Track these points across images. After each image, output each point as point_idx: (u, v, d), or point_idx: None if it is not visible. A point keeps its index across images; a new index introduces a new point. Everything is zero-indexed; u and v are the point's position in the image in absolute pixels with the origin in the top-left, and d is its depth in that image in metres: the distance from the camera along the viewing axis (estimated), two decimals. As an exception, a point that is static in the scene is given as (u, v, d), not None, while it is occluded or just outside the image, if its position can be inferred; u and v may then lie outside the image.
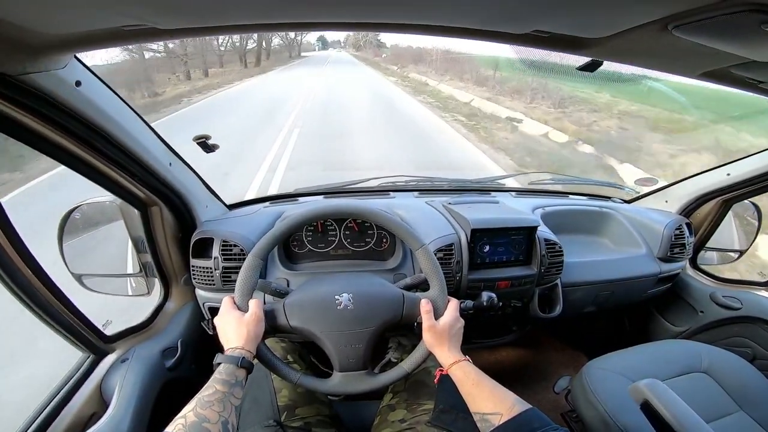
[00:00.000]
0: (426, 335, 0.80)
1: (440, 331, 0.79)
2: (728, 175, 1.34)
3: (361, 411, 1.07)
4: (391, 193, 1.36)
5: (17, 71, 0.56)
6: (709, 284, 1.53)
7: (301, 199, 1.30)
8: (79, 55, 0.68)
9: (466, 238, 1.12)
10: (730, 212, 1.48)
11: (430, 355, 0.82)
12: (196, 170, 1.09)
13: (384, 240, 1.17)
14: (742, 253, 1.58)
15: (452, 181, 1.48)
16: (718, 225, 1.49)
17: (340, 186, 1.36)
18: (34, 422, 0.77)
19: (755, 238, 1.51)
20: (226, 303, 0.79)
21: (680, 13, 0.46)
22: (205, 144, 1.03)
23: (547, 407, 1.58)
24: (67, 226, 0.99)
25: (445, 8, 0.55)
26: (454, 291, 1.13)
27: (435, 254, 1.07)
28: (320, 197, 1.31)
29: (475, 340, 1.66)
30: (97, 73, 0.72)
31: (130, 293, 1.14)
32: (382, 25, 0.66)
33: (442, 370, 0.79)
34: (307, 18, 0.59)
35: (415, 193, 1.39)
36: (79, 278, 1.02)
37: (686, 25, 0.48)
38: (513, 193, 1.54)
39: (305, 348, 1.11)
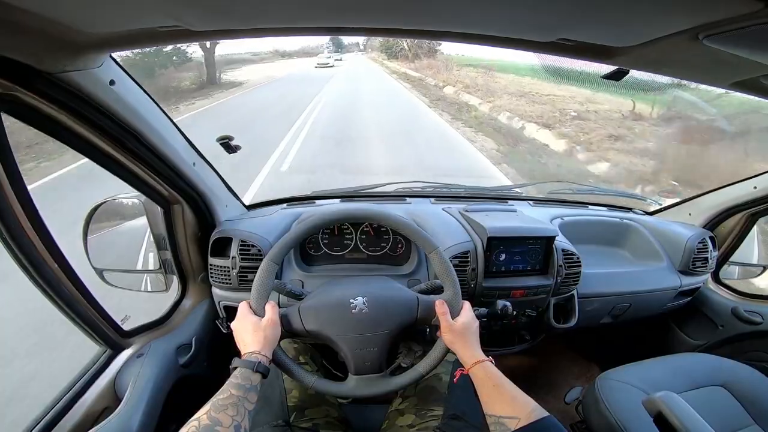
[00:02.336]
0: (445, 336, 0.80)
1: (459, 330, 0.79)
2: (755, 188, 1.30)
3: (369, 414, 1.06)
4: (407, 198, 1.36)
5: (56, 69, 0.59)
6: (730, 298, 1.49)
7: (318, 201, 1.31)
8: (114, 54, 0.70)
9: (483, 246, 1.11)
10: (755, 226, 1.44)
11: (444, 358, 0.82)
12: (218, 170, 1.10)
13: (399, 245, 1.18)
14: (765, 268, 1.54)
15: (469, 189, 1.47)
16: (743, 239, 1.45)
17: (357, 190, 1.37)
18: (47, 414, 0.78)
19: (781, 253, 1.47)
20: (242, 308, 0.79)
21: (712, 23, 0.45)
22: (228, 145, 1.05)
23: (557, 417, 1.55)
24: (92, 221, 1.01)
25: (472, 15, 0.55)
26: (469, 298, 1.12)
27: (451, 261, 1.08)
28: (337, 200, 1.32)
29: (487, 348, 1.64)
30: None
31: (148, 289, 1.16)
32: (407, 31, 0.67)
33: (462, 370, 0.78)
34: (336, 23, 0.60)
35: (432, 200, 1.39)
36: (100, 273, 1.04)
37: (718, 35, 0.47)
38: (531, 202, 1.52)
39: (317, 350, 1.11)
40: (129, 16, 0.53)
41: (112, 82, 0.69)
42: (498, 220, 1.17)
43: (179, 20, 0.54)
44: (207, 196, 1.05)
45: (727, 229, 1.45)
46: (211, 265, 1.08)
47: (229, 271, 1.06)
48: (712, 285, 1.54)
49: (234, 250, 1.05)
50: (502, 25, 0.60)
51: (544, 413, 0.66)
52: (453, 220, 1.23)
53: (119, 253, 1.17)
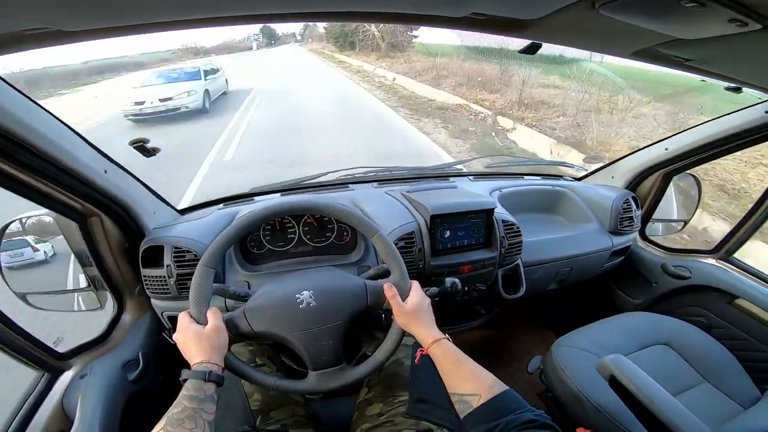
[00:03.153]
0: (399, 318, 0.80)
1: (411, 310, 0.79)
2: (666, 149, 1.42)
3: (338, 408, 1.06)
4: (350, 185, 1.35)
5: None
6: (659, 255, 1.61)
7: (257, 198, 1.26)
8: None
9: (426, 224, 1.13)
10: (671, 184, 1.57)
11: (401, 342, 0.82)
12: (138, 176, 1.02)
13: (345, 233, 1.16)
14: (686, 222, 1.68)
15: (411, 170, 1.49)
16: (662, 197, 1.58)
17: (298, 182, 1.33)
18: None
19: (697, 207, 1.62)
20: (182, 319, 0.75)
21: None
22: (144, 148, 0.99)
23: (524, 388, 1.59)
24: (2, 244, 0.92)
25: None
26: (419, 278, 1.13)
27: (397, 243, 1.08)
28: (277, 195, 1.28)
29: (445, 327, 1.67)
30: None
31: (81, 308, 1.09)
32: (314, 14, 0.65)
33: (422, 351, 0.78)
34: (228, 11, 0.55)
35: (375, 184, 1.38)
36: (23, 297, 0.97)
37: (612, 3, 0.50)
38: (471, 178, 1.56)
39: (274, 348, 1.08)
40: None
41: None
42: (439, 198, 1.19)
43: (47, 21, 0.47)
44: (127, 204, 0.98)
45: (646, 189, 1.57)
46: (144, 276, 1.01)
47: (165, 281, 0.99)
48: (641, 243, 1.66)
49: (168, 258, 0.99)
50: (414, 1, 0.60)
51: (504, 387, 0.67)
52: (396, 202, 1.23)
53: (43, 274, 1.09)
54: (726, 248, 1.44)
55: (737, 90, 1.03)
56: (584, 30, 0.70)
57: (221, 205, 1.21)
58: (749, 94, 1.09)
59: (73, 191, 0.85)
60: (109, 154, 0.94)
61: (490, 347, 1.88)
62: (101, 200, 0.92)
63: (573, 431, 1.09)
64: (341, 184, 1.36)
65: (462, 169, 1.63)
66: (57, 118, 0.78)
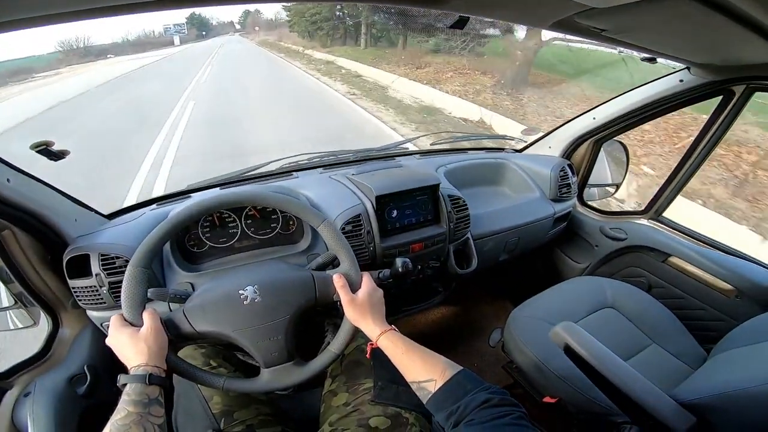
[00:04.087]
0: (347, 311, 0.79)
1: (360, 303, 0.78)
2: (594, 119, 1.51)
3: (304, 402, 1.03)
4: (294, 173, 1.31)
5: None
6: (597, 218, 1.70)
7: (194, 194, 1.19)
8: None
9: (372, 206, 1.12)
10: (602, 151, 1.67)
11: (357, 332, 0.80)
12: (50, 182, 0.94)
13: (291, 222, 1.13)
14: (617, 186, 1.79)
15: (357, 152, 1.47)
16: (594, 163, 1.67)
17: (239, 174, 1.27)
18: None
19: (626, 171, 1.74)
20: (114, 321, 0.72)
21: None
22: (49, 151, 0.90)
23: (490, 362, 1.66)
24: None
25: None
26: (371, 261, 1.14)
27: (344, 228, 1.07)
28: (216, 189, 1.22)
29: (405, 308, 1.70)
30: None
31: (17, 326, 1.02)
32: None
33: (372, 344, 0.78)
34: None
35: (320, 170, 1.35)
36: None
37: None
38: (417, 156, 1.58)
39: (229, 349, 1.03)
40: None
41: None
42: (384, 178, 1.19)
43: None
44: (40, 213, 0.89)
45: (580, 156, 1.66)
46: (73, 288, 0.93)
47: (97, 290, 0.92)
48: (580, 208, 1.75)
49: (96, 267, 0.91)
50: None
51: (457, 368, 0.67)
52: (341, 186, 1.21)
53: None
54: (655, 208, 1.54)
55: (652, 60, 1.09)
56: (504, 1, 0.71)
57: (154, 206, 1.13)
58: (663, 64, 1.18)
59: None
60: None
61: (452, 323, 1.92)
62: (8, 212, 0.83)
63: (540, 400, 1.15)
64: (285, 172, 1.31)
65: (408, 148, 1.64)
66: None
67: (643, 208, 1.61)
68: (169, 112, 7.66)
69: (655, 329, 1.23)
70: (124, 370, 0.68)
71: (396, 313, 1.66)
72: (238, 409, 0.86)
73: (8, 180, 0.82)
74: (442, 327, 1.89)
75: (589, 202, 1.78)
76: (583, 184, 1.71)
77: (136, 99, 10.10)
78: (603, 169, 1.75)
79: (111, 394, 0.98)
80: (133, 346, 0.68)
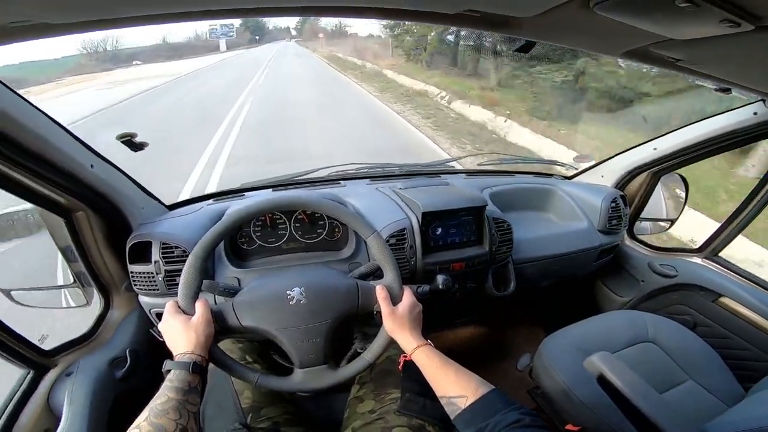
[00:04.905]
0: (386, 322, 0.80)
1: (400, 316, 0.79)
2: (655, 149, 1.44)
3: (330, 405, 1.05)
4: (341, 182, 1.34)
5: None
6: (646, 254, 1.62)
7: (248, 193, 1.25)
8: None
9: (418, 222, 1.12)
10: (659, 184, 1.59)
11: (392, 343, 0.81)
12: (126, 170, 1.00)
13: (336, 230, 1.16)
14: (672, 222, 1.70)
15: (403, 167, 1.48)
16: (650, 196, 1.60)
17: (289, 178, 1.32)
18: None
19: (684, 206, 1.65)
20: (169, 307, 0.75)
21: None
22: (132, 142, 0.97)
23: (514, 385, 1.62)
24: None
25: None
26: (410, 275, 1.14)
27: (388, 240, 1.08)
28: (268, 190, 1.27)
29: (435, 324, 1.68)
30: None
31: (70, 304, 1.08)
32: (310, 8, 0.64)
33: (405, 357, 0.79)
34: (217, 5, 0.55)
35: (367, 181, 1.38)
36: (7, 293, 0.97)
37: (607, 2, 0.50)
38: (463, 175, 1.57)
39: (264, 347, 1.07)
40: None
41: None
42: (431, 195, 1.19)
43: (28, 15, 0.46)
44: (114, 199, 0.97)
45: (635, 188, 1.58)
46: (132, 272, 0.99)
47: (153, 277, 0.98)
48: (628, 242, 1.68)
49: (156, 254, 0.97)
50: None
51: (489, 387, 0.68)
52: (388, 199, 1.23)
53: (30, 270, 1.11)
54: (712, 247, 1.46)
55: (726, 91, 1.04)
56: (577, 29, 0.70)
57: (211, 201, 1.19)
58: (738, 95, 1.11)
59: (59, 186, 0.83)
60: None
61: (481, 344, 1.89)
62: (87, 195, 0.90)
63: (562, 428, 1.12)
64: (332, 180, 1.35)
65: (454, 167, 1.64)
66: (43, 113, 0.77)
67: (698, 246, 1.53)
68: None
69: (694, 365, 1.19)
70: (162, 357, 0.71)
71: (426, 328, 1.63)
72: (266, 406, 0.89)
73: (92, 166, 0.89)
74: (469, 346, 1.86)
75: (639, 236, 1.70)
76: (635, 217, 1.64)
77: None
78: (658, 203, 1.67)
79: (145, 380, 1.04)
80: (183, 333, 0.71)
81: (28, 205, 0.90)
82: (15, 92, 0.70)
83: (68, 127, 0.83)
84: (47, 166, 0.78)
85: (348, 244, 1.14)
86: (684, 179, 1.59)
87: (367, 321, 0.99)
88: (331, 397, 1.09)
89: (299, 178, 1.32)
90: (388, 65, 15.96)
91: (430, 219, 1.14)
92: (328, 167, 1.38)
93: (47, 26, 0.51)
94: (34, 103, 0.75)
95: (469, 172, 1.63)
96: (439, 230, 1.17)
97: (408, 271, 1.13)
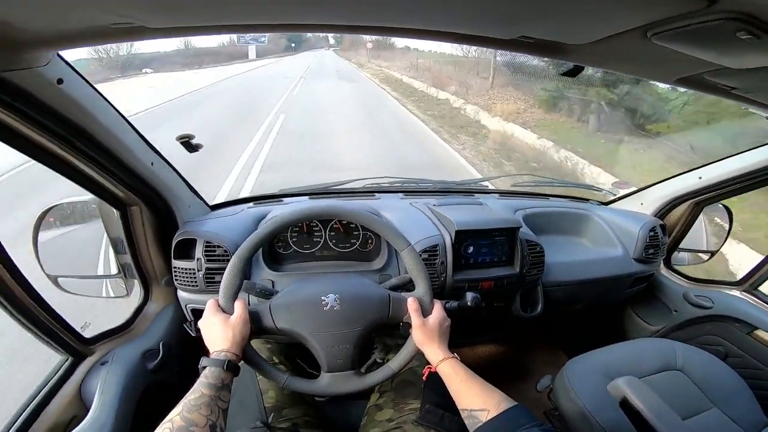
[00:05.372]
0: (416, 333, 0.81)
1: (430, 328, 0.81)
2: (700, 178, 1.39)
3: (348, 411, 1.07)
4: (376, 194, 1.37)
5: None
6: (682, 284, 1.57)
7: (286, 199, 1.29)
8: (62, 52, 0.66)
9: (451, 239, 1.13)
10: (701, 214, 1.54)
11: (417, 354, 0.83)
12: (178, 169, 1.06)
13: (369, 241, 1.18)
14: (713, 254, 1.63)
15: (437, 183, 1.49)
16: (691, 227, 1.54)
17: (326, 187, 1.35)
18: (12, 426, 0.75)
19: (726, 239, 1.58)
20: (210, 305, 0.78)
21: (660, 20, 0.47)
22: (189, 144, 1.02)
23: (530, 405, 1.58)
24: (42, 226, 0.97)
25: (438, 13, 0.55)
26: (439, 291, 1.15)
27: (420, 255, 1.09)
28: (305, 198, 1.30)
29: (458, 340, 1.68)
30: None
31: (108, 294, 1.12)
32: (372, 28, 0.67)
33: (430, 368, 0.80)
34: (298, 19, 0.59)
35: (401, 195, 1.39)
36: (54, 280, 1.00)
37: (665, 33, 0.50)
38: (496, 195, 1.56)
39: (291, 349, 1.10)
40: (71, 13, 0.50)
41: (59, 81, 0.65)
42: (465, 214, 1.19)
43: (129, 17, 0.51)
44: (167, 196, 1.02)
45: (675, 217, 1.53)
46: (175, 267, 1.04)
47: (194, 273, 1.03)
48: (664, 271, 1.63)
49: (199, 252, 1.02)
50: (468, 22, 0.61)
51: (513, 402, 0.68)
52: (422, 214, 1.24)
53: (75, 258, 1.13)
54: (752, 281, 1.42)
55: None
56: (631, 56, 0.70)
57: (251, 204, 1.23)
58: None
59: (121, 181, 0.88)
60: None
61: (501, 363, 1.88)
62: (145, 191, 0.95)
63: None
64: (367, 192, 1.37)
65: (488, 186, 1.63)
66: (116, 109, 0.82)
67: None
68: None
69: (721, 394, 1.16)
70: (192, 351, 0.74)
71: (451, 343, 1.63)
72: (288, 407, 0.91)
73: (152, 163, 0.94)
74: (488, 363, 1.85)
75: (676, 267, 1.64)
76: (674, 246, 1.58)
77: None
78: (699, 234, 1.61)
79: (173, 373, 1.08)
80: (221, 331, 0.74)
81: (89, 196, 0.94)
82: (94, 88, 0.75)
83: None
84: (114, 162, 0.83)
85: (380, 255, 1.16)
86: (729, 210, 1.52)
87: (390, 332, 1.00)
88: (350, 402, 1.11)
89: (335, 187, 1.35)
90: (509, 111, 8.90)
91: (463, 237, 1.14)
92: (362, 179, 1.41)
93: (145, 29, 0.55)
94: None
95: (503, 193, 1.62)
96: (471, 248, 1.17)
97: (437, 287, 1.13)
